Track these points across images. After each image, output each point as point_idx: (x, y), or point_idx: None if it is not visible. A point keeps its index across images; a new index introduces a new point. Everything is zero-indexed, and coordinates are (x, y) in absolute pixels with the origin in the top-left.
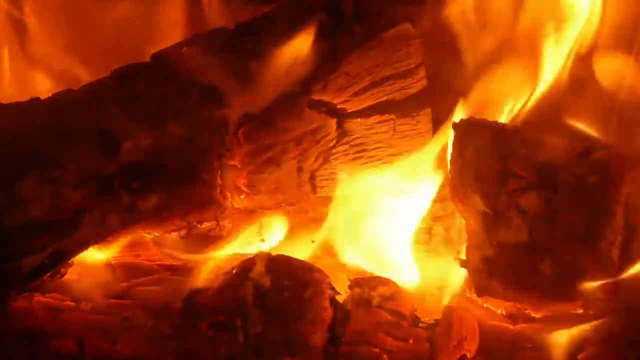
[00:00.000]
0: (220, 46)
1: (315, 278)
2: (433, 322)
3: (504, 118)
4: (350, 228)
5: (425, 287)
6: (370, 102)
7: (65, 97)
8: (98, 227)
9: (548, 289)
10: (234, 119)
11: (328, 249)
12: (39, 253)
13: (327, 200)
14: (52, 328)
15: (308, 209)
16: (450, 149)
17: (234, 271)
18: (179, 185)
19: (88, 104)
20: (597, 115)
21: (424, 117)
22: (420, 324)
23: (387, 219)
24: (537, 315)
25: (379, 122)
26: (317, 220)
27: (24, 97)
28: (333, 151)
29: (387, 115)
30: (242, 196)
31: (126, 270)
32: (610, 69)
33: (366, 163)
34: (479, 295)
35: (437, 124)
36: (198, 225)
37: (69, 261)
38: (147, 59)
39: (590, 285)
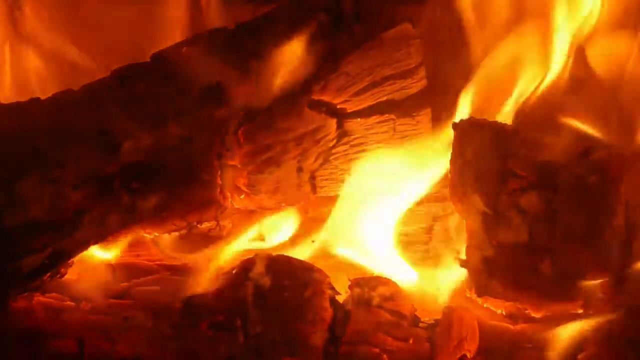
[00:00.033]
0: (220, 46)
1: (315, 278)
2: (433, 322)
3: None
4: (351, 228)
5: (425, 287)
6: (370, 102)
7: (65, 97)
8: (98, 227)
9: (548, 289)
10: (234, 119)
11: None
12: (39, 253)
13: (327, 200)
14: (52, 328)
15: (308, 209)
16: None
17: (234, 271)
18: (179, 185)
19: (88, 104)
20: (597, 115)
21: (424, 117)
22: (420, 324)
23: (386, 218)
24: (537, 315)
25: (379, 122)
26: (317, 220)
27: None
28: (333, 151)
29: (387, 115)
30: (242, 196)
31: (126, 270)
32: (613, 52)
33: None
34: (479, 295)
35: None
36: (198, 225)
37: (69, 261)
38: (147, 59)
39: (590, 285)
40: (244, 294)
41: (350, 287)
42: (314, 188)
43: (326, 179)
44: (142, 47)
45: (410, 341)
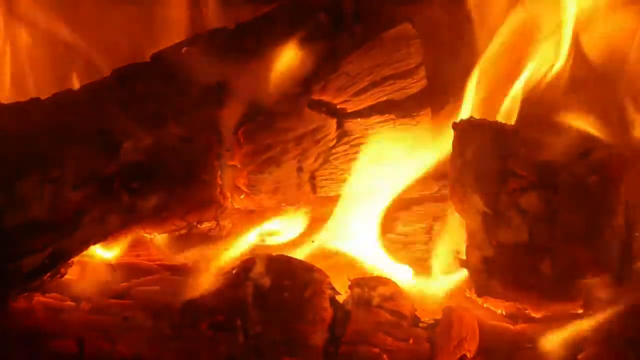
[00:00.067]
0: (220, 46)
1: (315, 278)
2: (433, 322)
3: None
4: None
5: (425, 287)
6: (370, 102)
7: (65, 97)
8: (98, 227)
9: (548, 289)
10: (234, 119)
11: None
12: (39, 253)
13: (327, 200)
14: (52, 328)
15: (308, 209)
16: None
17: (234, 271)
18: (179, 185)
19: (88, 104)
20: (597, 115)
21: (424, 117)
22: (420, 324)
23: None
24: (537, 315)
25: (379, 122)
26: (317, 220)
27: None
28: (333, 151)
29: (387, 115)
30: (242, 196)
31: (126, 270)
32: (620, 27)
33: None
34: (479, 295)
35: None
36: (198, 225)
37: (69, 261)
38: (147, 59)
39: (590, 285)
40: (244, 294)
41: (350, 287)
42: (314, 188)
43: (326, 179)
44: (142, 47)
45: (410, 341)
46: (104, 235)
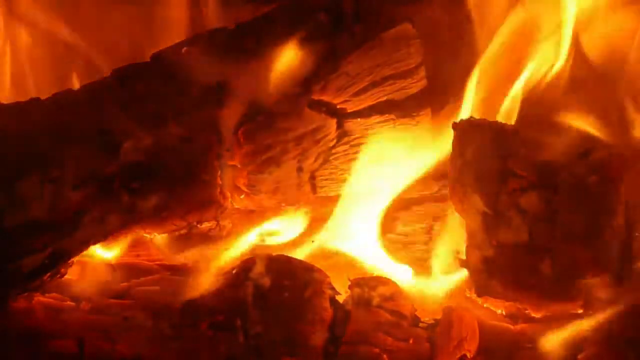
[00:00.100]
0: (220, 46)
1: (315, 278)
2: (433, 322)
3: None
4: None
5: (425, 287)
6: (370, 102)
7: (65, 97)
8: (98, 227)
9: (548, 289)
10: (234, 119)
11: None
12: (39, 253)
13: (327, 200)
14: (52, 328)
15: (308, 209)
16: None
17: (234, 271)
18: (179, 185)
19: (88, 104)
20: (597, 115)
21: (424, 117)
22: (420, 324)
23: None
24: (537, 315)
25: (379, 122)
26: (317, 220)
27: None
28: (333, 151)
29: (387, 115)
30: (242, 196)
31: (126, 270)
32: (620, 27)
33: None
34: (479, 295)
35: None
36: (198, 225)
37: (69, 261)
38: (147, 59)
39: (590, 285)
40: (244, 294)
41: (350, 287)
42: (314, 188)
43: (326, 179)
44: (142, 47)
45: (410, 341)
46: (104, 235)
